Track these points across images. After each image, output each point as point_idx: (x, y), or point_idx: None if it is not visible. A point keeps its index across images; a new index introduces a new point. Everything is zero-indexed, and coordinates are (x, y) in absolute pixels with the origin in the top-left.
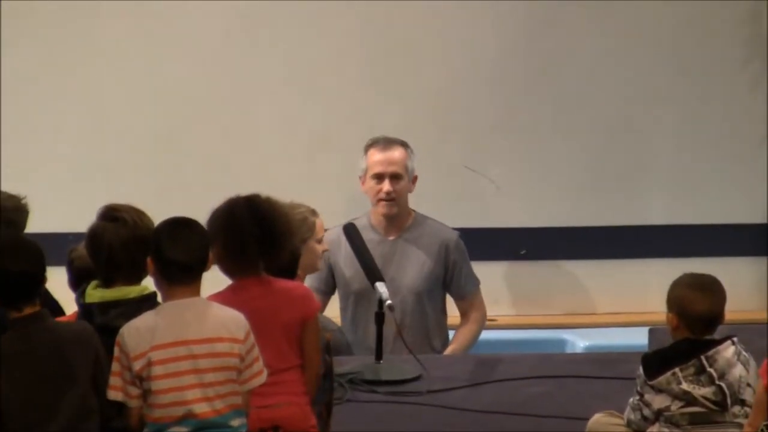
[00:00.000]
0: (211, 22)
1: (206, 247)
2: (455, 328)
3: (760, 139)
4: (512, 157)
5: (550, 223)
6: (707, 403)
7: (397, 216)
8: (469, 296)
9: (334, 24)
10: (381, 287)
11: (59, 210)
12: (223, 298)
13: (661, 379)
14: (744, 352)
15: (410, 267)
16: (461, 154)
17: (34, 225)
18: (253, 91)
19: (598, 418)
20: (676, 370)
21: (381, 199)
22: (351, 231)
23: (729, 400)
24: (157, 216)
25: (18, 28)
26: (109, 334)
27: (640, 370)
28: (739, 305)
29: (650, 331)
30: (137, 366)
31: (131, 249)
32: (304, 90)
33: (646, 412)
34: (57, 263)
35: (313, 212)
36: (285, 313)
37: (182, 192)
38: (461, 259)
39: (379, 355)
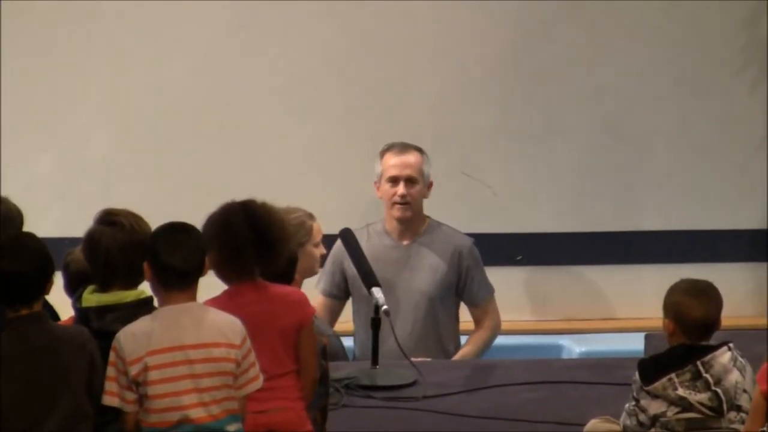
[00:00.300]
0: (210, 26)
1: (203, 253)
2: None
3: (756, 145)
4: (509, 164)
5: (547, 229)
6: (703, 409)
7: (411, 221)
8: (482, 304)
9: (332, 29)
10: (377, 292)
11: (56, 214)
12: (218, 303)
13: (657, 385)
14: (740, 358)
15: (423, 272)
16: (458, 160)
17: (30, 229)
18: (251, 95)
19: (594, 424)
20: (672, 375)
21: (396, 203)
22: (347, 236)
23: (725, 406)
24: (155, 220)
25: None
26: (105, 338)
27: (636, 375)
28: (735, 311)
29: (646, 337)
30: (133, 371)
31: (128, 253)
32: (302, 94)
33: (642, 417)
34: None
35: (310, 216)
36: (281, 318)
37: (180, 196)
38: (474, 265)
39: (375, 361)
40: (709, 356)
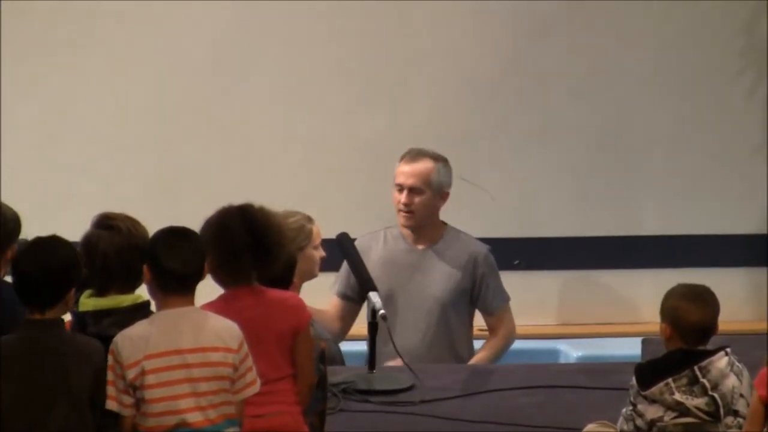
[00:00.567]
0: (209, 27)
1: (203, 258)
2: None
3: (754, 149)
4: (507, 168)
5: (545, 234)
6: (700, 414)
7: (419, 228)
8: (496, 311)
9: (330, 32)
10: (374, 297)
11: (53, 218)
12: (215, 307)
13: (654, 390)
14: (737, 363)
15: (437, 277)
16: (456, 165)
17: (28, 233)
18: (250, 96)
19: (591, 429)
20: (669, 380)
21: (400, 210)
22: (344, 241)
23: (722, 411)
24: (152, 225)
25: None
26: (102, 342)
27: (633, 380)
28: (732, 316)
29: (643, 342)
30: (131, 375)
31: (125, 257)
32: (301, 96)
33: (639, 422)
34: None
35: (309, 219)
36: (277, 323)
37: (178, 199)
38: (489, 273)
39: (372, 365)
40: (706, 361)
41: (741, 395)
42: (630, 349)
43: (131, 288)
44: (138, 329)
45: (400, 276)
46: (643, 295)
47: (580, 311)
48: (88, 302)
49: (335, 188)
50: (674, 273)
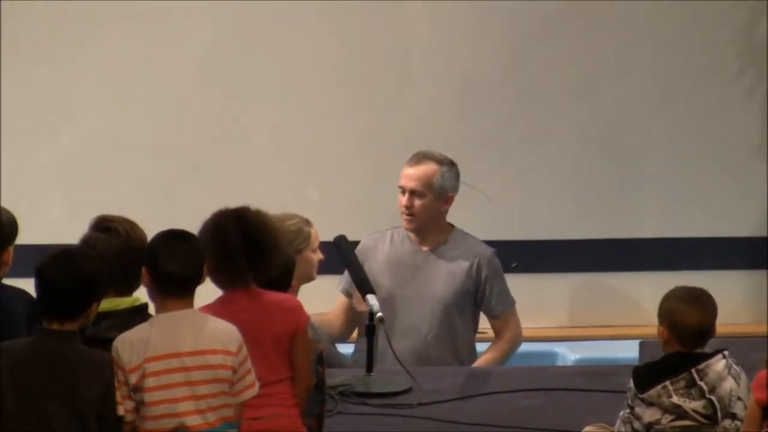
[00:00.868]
0: (208, 29)
1: (201, 261)
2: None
3: (753, 152)
4: (504, 170)
5: (542, 236)
6: (698, 417)
7: (422, 230)
8: (501, 315)
9: (328, 34)
10: (372, 300)
11: (51, 220)
12: (212, 310)
13: (652, 393)
14: (735, 366)
15: (441, 278)
16: None
17: (25, 236)
18: (248, 99)
19: (589, 431)
20: (667, 383)
21: (402, 212)
22: (341, 243)
23: (719, 414)
24: (150, 227)
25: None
26: (100, 345)
27: (631, 383)
28: (730, 318)
29: (641, 344)
30: (133, 379)
31: (123, 260)
32: (298, 100)
33: (637, 425)
34: None
35: (307, 222)
36: (275, 325)
37: (176, 203)
38: (493, 275)
39: (369, 368)
40: (704, 364)
41: (738, 398)
42: (628, 351)
43: (129, 290)
44: (137, 332)
45: (404, 276)
46: (641, 297)
47: (578, 314)
48: None
49: (333, 190)
50: (673, 276)
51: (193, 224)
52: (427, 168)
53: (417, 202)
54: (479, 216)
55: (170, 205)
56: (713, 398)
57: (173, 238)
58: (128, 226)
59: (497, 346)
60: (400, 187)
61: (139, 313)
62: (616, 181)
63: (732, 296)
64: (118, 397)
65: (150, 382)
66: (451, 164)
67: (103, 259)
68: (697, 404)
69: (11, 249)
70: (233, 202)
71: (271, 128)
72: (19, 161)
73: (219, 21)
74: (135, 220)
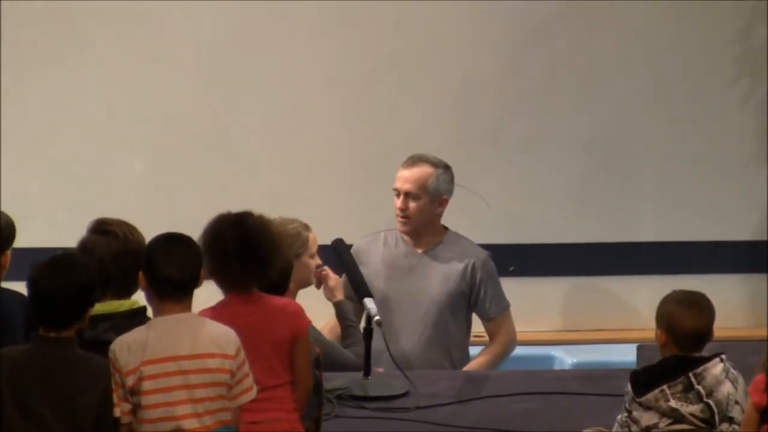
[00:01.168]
0: (206, 33)
1: (199, 264)
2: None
3: (749, 156)
4: (502, 174)
5: (540, 240)
6: (695, 421)
7: (416, 233)
8: (496, 318)
9: (326, 37)
10: (369, 303)
11: (49, 223)
12: (212, 313)
13: (650, 396)
14: (732, 370)
15: (435, 281)
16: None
17: (23, 239)
18: (246, 103)
19: None
20: (665, 387)
21: (397, 215)
22: (339, 246)
23: (717, 418)
24: (148, 230)
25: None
26: (98, 348)
27: (629, 386)
28: (728, 322)
29: (638, 348)
30: (130, 381)
31: (122, 263)
32: (296, 101)
33: (635, 429)
34: None
35: (306, 227)
36: (275, 329)
37: (174, 206)
38: (488, 278)
39: (367, 371)
40: (701, 368)
41: (736, 402)
42: (625, 355)
43: (128, 293)
44: (135, 335)
45: (398, 278)
46: (638, 301)
47: (576, 317)
48: None
49: (331, 194)
50: (670, 279)
51: (191, 227)
52: (422, 170)
53: (412, 205)
54: (477, 219)
55: (169, 208)
56: (711, 402)
57: (170, 241)
58: (126, 229)
59: (490, 350)
60: (395, 189)
61: (137, 316)
62: (613, 184)
63: (729, 300)
64: (115, 399)
65: (147, 385)
66: (446, 167)
67: (101, 262)
68: (695, 408)
69: (9, 252)
70: (231, 205)
71: (269, 131)
72: (18, 164)
73: (219, 23)
74: (133, 223)
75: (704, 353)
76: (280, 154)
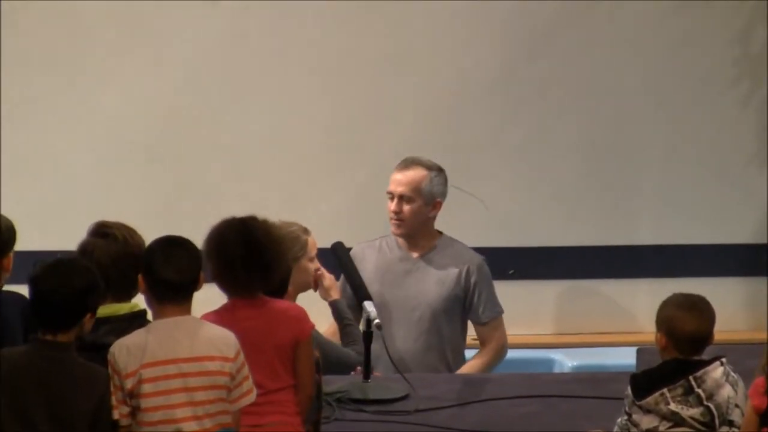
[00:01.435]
0: (202, 37)
1: (198, 267)
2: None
3: (750, 158)
4: (501, 177)
5: (539, 243)
6: (695, 424)
7: (410, 236)
8: (489, 322)
9: (325, 42)
10: (369, 306)
11: (48, 227)
12: (215, 316)
13: (650, 400)
14: (732, 373)
15: (430, 285)
16: (450, 173)
17: (23, 243)
18: (242, 108)
19: None
20: (665, 390)
21: (391, 218)
22: (338, 249)
23: (717, 421)
24: (148, 233)
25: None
26: (98, 351)
27: (629, 390)
28: (728, 325)
29: (638, 351)
30: (129, 384)
31: (121, 266)
32: (293, 105)
33: None
34: None
35: (305, 230)
36: (278, 333)
37: (172, 209)
38: (482, 283)
39: (366, 375)
40: (702, 371)
41: (736, 405)
42: (625, 358)
43: (128, 296)
44: (134, 338)
45: (393, 283)
46: (638, 304)
47: (576, 321)
48: None
49: (330, 197)
50: (670, 282)
51: (190, 230)
52: (416, 173)
53: (406, 208)
54: (476, 223)
55: (168, 211)
56: (711, 405)
57: (170, 244)
58: (126, 232)
59: (482, 355)
60: (389, 192)
61: (137, 319)
62: (613, 187)
63: (730, 303)
64: (114, 401)
65: (147, 388)
66: (440, 170)
67: (101, 265)
68: (695, 411)
69: (11, 255)
70: (230, 209)
71: (267, 135)
72: (18, 165)
73: (217, 33)
74: (133, 226)
75: (704, 356)
76: (279, 157)
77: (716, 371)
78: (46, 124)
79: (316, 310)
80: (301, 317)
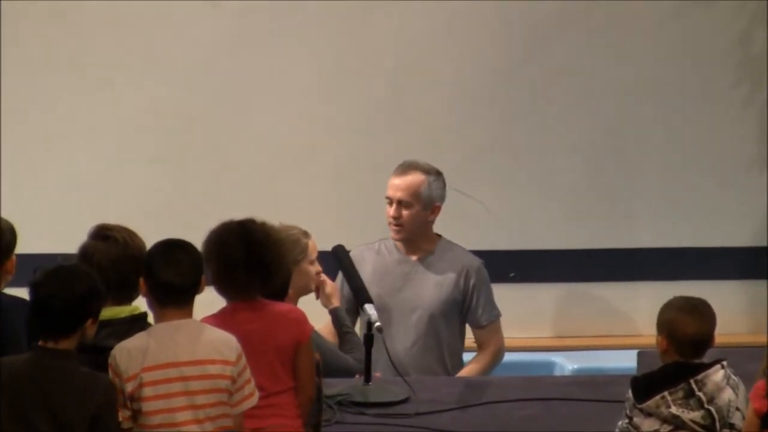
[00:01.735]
0: (205, 39)
1: (199, 270)
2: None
3: (749, 162)
4: (502, 180)
5: (540, 246)
6: (696, 427)
7: (410, 241)
8: (485, 326)
9: (327, 46)
10: (369, 309)
11: (49, 230)
12: (216, 320)
13: (650, 403)
14: (733, 376)
15: (428, 288)
16: (451, 176)
17: (23, 245)
18: (242, 111)
19: None
20: (665, 393)
21: (389, 223)
22: (339, 252)
23: (718, 425)
24: (149, 236)
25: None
26: (99, 353)
27: (629, 393)
28: (729, 328)
29: (639, 354)
30: (129, 387)
31: (122, 268)
32: (295, 112)
33: None
34: None
35: (305, 234)
36: (278, 336)
37: (173, 212)
38: (480, 285)
39: (367, 378)
40: (702, 374)
41: (737, 408)
42: (626, 361)
43: (128, 299)
44: (135, 341)
45: (391, 286)
46: (639, 307)
47: (576, 324)
48: None
49: (330, 201)
50: (671, 285)
51: (190, 233)
52: (414, 178)
53: (404, 212)
54: (476, 226)
55: (169, 214)
56: (712, 409)
57: (169, 247)
58: (127, 235)
59: (480, 358)
60: (388, 197)
61: (138, 322)
62: (613, 190)
63: (730, 306)
64: None
65: (148, 391)
66: (438, 174)
67: (101, 268)
68: (696, 414)
69: (14, 258)
70: (230, 211)
71: (268, 137)
72: (18, 166)
73: (220, 35)
74: (134, 229)
75: (705, 359)
76: (279, 161)
77: (717, 374)
78: (46, 125)
79: (317, 314)
80: (301, 319)
